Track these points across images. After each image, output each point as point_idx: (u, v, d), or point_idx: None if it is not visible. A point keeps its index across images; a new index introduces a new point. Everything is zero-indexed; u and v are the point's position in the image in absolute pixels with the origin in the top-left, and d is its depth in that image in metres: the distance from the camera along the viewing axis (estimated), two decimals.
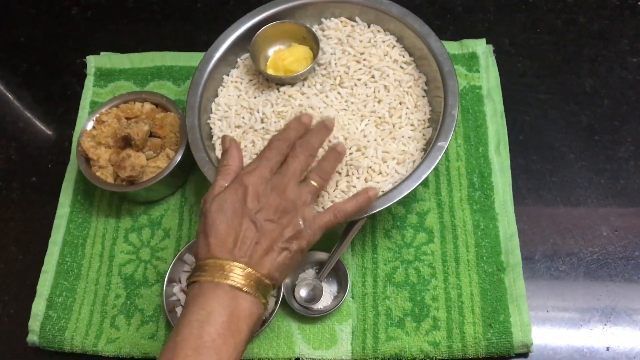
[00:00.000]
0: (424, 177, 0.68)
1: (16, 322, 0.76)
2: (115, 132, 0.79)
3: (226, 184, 0.61)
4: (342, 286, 0.73)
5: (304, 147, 0.63)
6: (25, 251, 0.81)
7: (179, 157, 0.77)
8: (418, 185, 0.69)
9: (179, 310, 0.73)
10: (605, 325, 0.70)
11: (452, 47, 0.87)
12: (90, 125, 0.81)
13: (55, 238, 0.80)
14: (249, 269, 0.56)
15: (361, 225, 0.71)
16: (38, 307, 0.75)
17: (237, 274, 0.55)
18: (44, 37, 0.98)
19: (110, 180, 0.77)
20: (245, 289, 0.55)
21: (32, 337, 0.74)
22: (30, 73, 0.95)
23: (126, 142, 0.78)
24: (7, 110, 0.92)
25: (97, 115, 0.81)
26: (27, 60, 0.96)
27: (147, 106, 0.82)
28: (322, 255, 0.74)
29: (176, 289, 0.74)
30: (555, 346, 0.69)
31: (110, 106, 0.82)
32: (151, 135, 0.79)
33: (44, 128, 0.90)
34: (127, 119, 0.81)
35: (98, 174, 0.77)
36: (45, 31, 0.99)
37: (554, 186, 0.78)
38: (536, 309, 0.71)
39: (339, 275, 0.74)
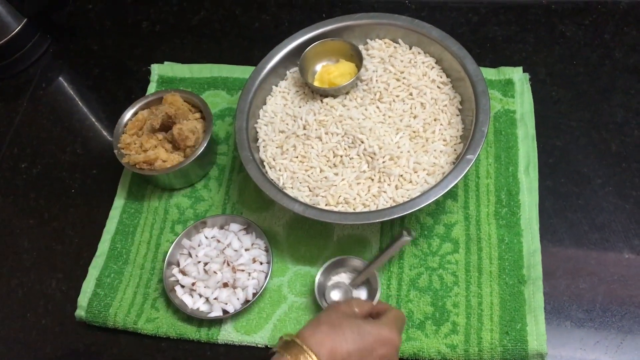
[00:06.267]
0: (450, 185, 0.72)
1: (67, 298, 0.83)
2: (144, 123, 0.88)
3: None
4: (370, 294, 0.76)
5: None
6: (80, 235, 0.88)
7: (200, 150, 0.84)
8: (446, 197, 0.73)
9: (177, 289, 0.79)
10: (622, 343, 0.71)
11: (490, 73, 0.91)
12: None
13: (110, 226, 0.87)
14: None
15: (402, 245, 0.74)
16: (88, 285, 0.82)
17: None
18: (115, 46, 1.08)
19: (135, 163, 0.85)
20: None
21: (80, 312, 0.80)
22: (100, 77, 1.04)
23: (165, 125, 0.86)
24: (77, 109, 1.01)
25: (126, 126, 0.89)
26: (99, 66, 1.06)
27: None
28: (356, 262, 0.78)
29: (175, 270, 0.80)
30: (570, 358, 0.71)
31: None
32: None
33: (107, 127, 0.99)
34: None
35: (124, 160, 0.85)
36: (116, 41, 1.09)
37: (580, 208, 0.80)
38: (553, 321, 0.73)
39: (370, 284, 0.77)
